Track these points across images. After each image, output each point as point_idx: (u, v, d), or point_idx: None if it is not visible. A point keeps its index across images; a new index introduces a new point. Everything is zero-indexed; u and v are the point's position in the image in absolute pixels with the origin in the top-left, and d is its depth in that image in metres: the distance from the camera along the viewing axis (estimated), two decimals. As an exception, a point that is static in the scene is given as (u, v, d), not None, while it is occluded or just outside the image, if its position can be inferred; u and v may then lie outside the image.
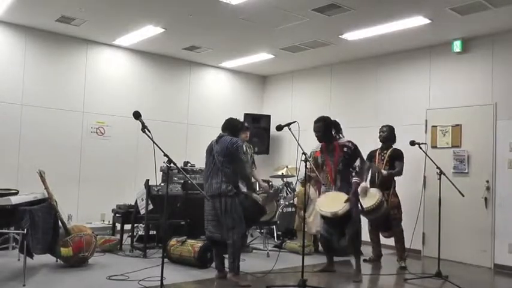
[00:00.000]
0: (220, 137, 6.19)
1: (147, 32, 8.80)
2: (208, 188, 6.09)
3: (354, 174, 6.50)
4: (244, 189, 6.32)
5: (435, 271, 6.72)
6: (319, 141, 6.81)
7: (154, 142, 4.77)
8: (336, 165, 6.56)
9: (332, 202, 6.38)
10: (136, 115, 4.94)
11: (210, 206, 6.08)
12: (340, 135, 6.77)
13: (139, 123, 4.89)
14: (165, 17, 8.01)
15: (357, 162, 6.52)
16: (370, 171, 7.58)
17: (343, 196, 6.35)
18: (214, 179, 6.04)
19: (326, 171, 6.68)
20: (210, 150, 6.24)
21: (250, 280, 6.23)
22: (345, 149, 6.55)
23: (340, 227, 6.53)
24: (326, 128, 6.70)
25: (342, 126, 6.80)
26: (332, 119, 6.83)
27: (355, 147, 6.61)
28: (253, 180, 8.39)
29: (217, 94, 11.58)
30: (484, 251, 7.86)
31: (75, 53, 9.41)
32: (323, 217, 6.62)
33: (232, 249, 5.93)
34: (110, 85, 9.86)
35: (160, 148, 4.76)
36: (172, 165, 4.95)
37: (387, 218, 7.36)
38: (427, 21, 7.59)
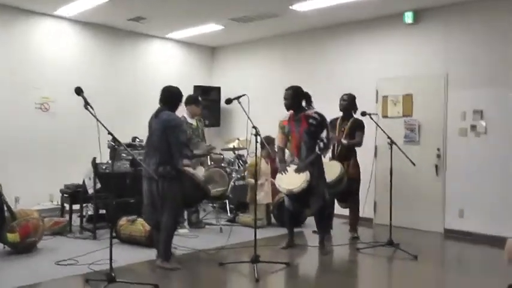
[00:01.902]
0: (158, 111, 5.65)
1: (91, 1, 8.39)
2: (144, 169, 5.56)
3: (320, 145, 6.30)
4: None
5: (387, 239, 6.77)
6: (287, 109, 6.59)
7: (97, 119, 4.57)
8: (300, 135, 6.38)
9: (291, 178, 6.26)
10: (78, 91, 4.69)
11: (146, 187, 5.63)
12: (310, 107, 6.58)
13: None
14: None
15: (323, 134, 6.30)
16: None
17: (304, 174, 6.22)
18: (152, 159, 5.51)
19: (291, 142, 6.52)
20: (149, 126, 5.74)
21: (202, 257, 6.15)
22: (311, 120, 6.35)
23: (304, 201, 6.41)
24: (295, 96, 6.50)
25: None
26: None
27: (323, 118, 6.41)
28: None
29: (165, 66, 11.29)
30: (435, 217, 8.06)
31: (15, 24, 8.90)
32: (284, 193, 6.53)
33: (164, 234, 5.54)
34: (53, 58, 9.42)
35: (104, 126, 4.57)
36: (117, 143, 4.74)
37: (345, 190, 7.30)
38: (379, -10, 7.53)
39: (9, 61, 8.83)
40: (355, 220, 7.57)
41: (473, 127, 7.71)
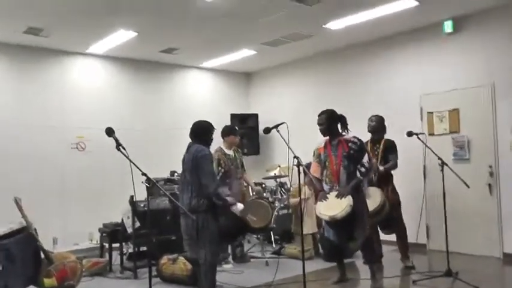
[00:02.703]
0: (189, 146, 5.55)
1: (120, 36, 8.37)
2: (181, 204, 5.39)
3: (362, 171, 5.86)
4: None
5: (444, 269, 6.28)
6: (323, 135, 6.18)
7: (130, 160, 4.33)
8: (340, 161, 5.94)
9: (332, 204, 5.78)
10: (109, 132, 4.47)
11: (184, 223, 5.43)
12: (346, 131, 6.14)
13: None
14: (135, 19, 7.59)
15: (365, 159, 5.87)
16: None
17: (346, 199, 5.74)
18: (186, 194, 5.38)
19: (329, 169, 6.05)
20: (183, 162, 5.61)
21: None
22: (351, 144, 5.92)
23: (348, 231, 5.88)
24: (330, 121, 6.09)
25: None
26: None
27: (361, 142, 6.02)
28: (245, 184, 8.01)
29: (201, 96, 11.14)
30: (492, 240, 7.51)
31: (48, 65, 8.94)
32: (326, 221, 6.00)
33: (204, 269, 5.32)
34: (87, 96, 9.41)
35: (137, 166, 4.33)
36: (150, 183, 4.50)
37: (387, 216, 6.85)
38: (414, 2, 7.20)
39: (46, 101, 8.88)
40: (404, 247, 7.12)
41: (527, 139, 7.23)
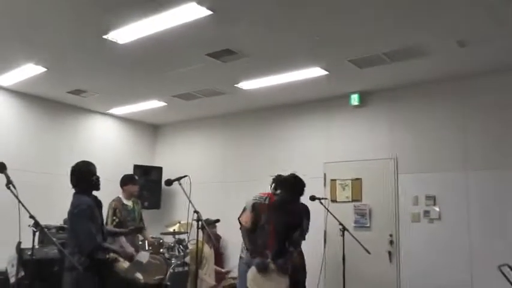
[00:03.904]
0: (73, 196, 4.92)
1: (29, 70, 7.90)
2: (67, 258, 4.67)
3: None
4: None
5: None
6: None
7: (19, 200, 3.98)
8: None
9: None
10: (1, 168, 4.09)
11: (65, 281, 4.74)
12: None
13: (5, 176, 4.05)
14: (47, 55, 7.24)
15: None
16: None
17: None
18: (69, 248, 4.72)
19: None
20: None
21: None
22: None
23: None
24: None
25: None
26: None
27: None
28: (140, 238, 7.69)
29: (105, 144, 10.76)
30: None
31: None
32: None
33: None
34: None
35: (25, 207, 3.99)
36: (38, 228, 4.15)
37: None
38: (324, 72, 7.40)
39: None
40: None
41: (426, 212, 7.46)
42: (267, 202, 5.85)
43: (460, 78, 7.41)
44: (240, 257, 6.15)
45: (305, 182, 6.81)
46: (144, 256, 5.82)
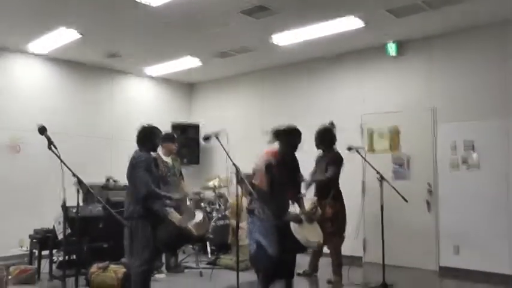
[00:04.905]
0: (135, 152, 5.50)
1: (62, 35, 8.02)
2: (125, 211, 5.39)
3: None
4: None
5: (379, 281, 6.34)
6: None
7: (61, 160, 4.20)
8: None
9: (310, 229, 5.50)
10: (42, 130, 4.31)
11: (125, 230, 5.37)
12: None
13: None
14: (79, 20, 7.34)
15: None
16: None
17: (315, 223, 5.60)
18: (127, 199, 5.42)
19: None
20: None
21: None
22: None
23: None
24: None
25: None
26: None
27: None
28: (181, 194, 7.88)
29: (142, 104, 10.93)
30: (428, 254, 7.69)
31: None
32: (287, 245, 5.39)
33: (133, 278, 5.22)
34: (25, 97, 9.04)
35: (68, 167, 4.19)
36: (81, 186, 4.36)
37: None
38: (361, 23, 7.30)
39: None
40: (336, 263, 6.82)
41: (464, 160, 7.42)
42: (274, 162, 5.45)
43: (498, 24, 7.24)
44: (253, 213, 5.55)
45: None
46: (198, 215, 6.05)
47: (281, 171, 5.37)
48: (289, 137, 5.55)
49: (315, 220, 5.61)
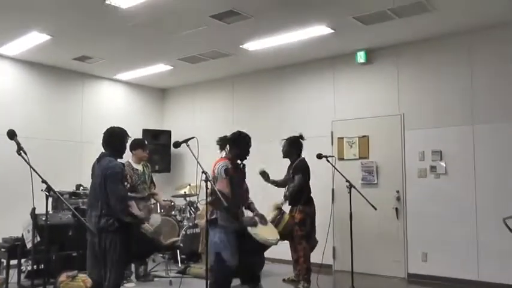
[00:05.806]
0: (100, 157, 5.07)
1: (33, 39, 7.94)
2: (88, 221, 4.94)
3: None
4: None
5: (348, 287, 6.39)
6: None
7: (30, 166, 4.08)
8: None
9: (268, 229, 5.68)
10: (11, 134, 4.17)
11: (90, 240, 5.02)
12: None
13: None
14: (51, 22, 7.25)
15: None
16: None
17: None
18: (94, 210, 4.91)
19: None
20: (92, 173, 5.18)
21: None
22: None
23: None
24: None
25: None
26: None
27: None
28: (153, 201, 7.83)
29: (113, 109, 10.82)
30: (397, 261, 7.77)
31: None
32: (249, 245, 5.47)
33: None
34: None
35: (37, 172, 4.08)
36: (51, 192, 4.26)
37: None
38: (330, 30, 7.38)
39: None
40: (302, 267, 6.90)
41: (432, 168, 7.53)
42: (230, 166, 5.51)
43: (465, 33, 7.40)
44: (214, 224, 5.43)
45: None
46: (156, 219, 5.97)
47: (237, 175, 5.51)
48: (240, 142, 5.64)
49: (267, 222, 5.78)
